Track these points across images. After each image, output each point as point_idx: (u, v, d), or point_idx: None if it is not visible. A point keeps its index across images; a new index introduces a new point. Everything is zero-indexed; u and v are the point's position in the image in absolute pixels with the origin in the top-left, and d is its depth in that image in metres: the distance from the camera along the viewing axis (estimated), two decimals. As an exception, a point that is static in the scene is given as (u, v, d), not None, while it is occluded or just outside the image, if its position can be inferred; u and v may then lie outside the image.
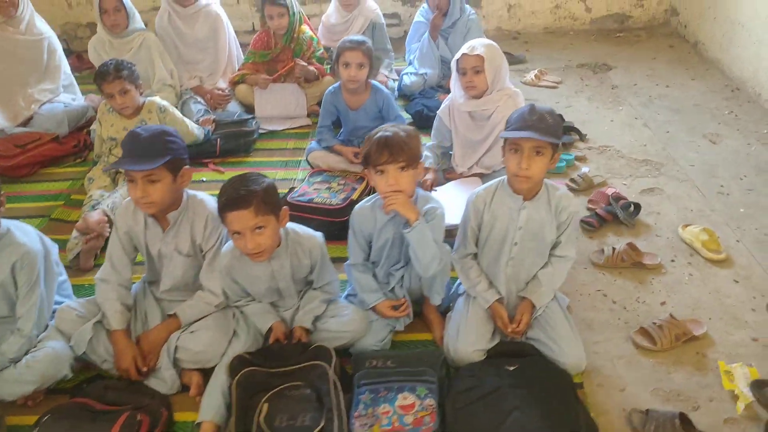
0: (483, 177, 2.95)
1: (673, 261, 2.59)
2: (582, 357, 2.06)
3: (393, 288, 2.24)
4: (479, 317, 2.15)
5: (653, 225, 2.82)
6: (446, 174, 3.05)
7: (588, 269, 2.58)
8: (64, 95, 3.84)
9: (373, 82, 3.16)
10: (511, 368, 1.99)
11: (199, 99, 3.85)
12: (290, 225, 2.12)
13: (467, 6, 4.05)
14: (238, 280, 2.11)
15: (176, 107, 3.78)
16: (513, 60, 4.64)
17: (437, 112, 3.05)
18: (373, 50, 3.09)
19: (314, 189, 2.95)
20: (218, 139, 3.50)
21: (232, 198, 1.91)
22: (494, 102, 2.86)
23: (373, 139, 2.01)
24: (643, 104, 3.94)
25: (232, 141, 3.52)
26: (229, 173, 3.38)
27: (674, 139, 3.51)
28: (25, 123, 3.69)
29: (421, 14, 4.10)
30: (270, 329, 2.11)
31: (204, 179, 3.35)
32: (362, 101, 3.15)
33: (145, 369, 2.04)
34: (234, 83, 3.89)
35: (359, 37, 3.06)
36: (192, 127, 3.34)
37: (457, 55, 2.82)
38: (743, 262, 2.57)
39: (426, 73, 4.01)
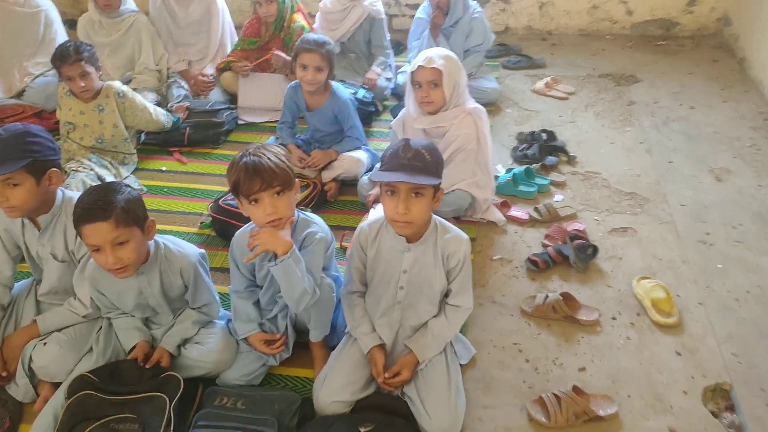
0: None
1: (614, 319, 2.28)
2: (450, 428, 1.83)
3: (276, 316, 2.08)
4: (353, 362, 1.96)
5: (608, 272, 2.49)
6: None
7: (514, 316, 2.30)
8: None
9: (334, 86, 2.96)
10: (364, 430, 1.79)
11: (183, 84, 3.78)
12: (165, 239, 2.00)
13: (473, 2, 3.74)
14: (104, 293, 2.02)
15: (160, 91, 3.78)
16: (531, 64, 4.29)
17: (391, 123, 2.82)
18: (333, 54, 2.88)
19: (252, 193, 2.81)
20: (187, 128, 3.42)
21: (89, 209, 1.79)
22: (450, 119, 2.61)
23: (239, 165, 1.82)
24: (655, 126, 3.51)
25: (201, 131, 3.43)
26: (192, 165, 3.32)
27: (674, 172, 3.10)
28: (19, 95, 3.76)
29: (422, 10, 3.82)
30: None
31: (164, 168, 3.29)
32: (320, 103, 2.96)
33: (4, 374, 2.00)
34: (220, 70, 3.79)
35: (320, 38, 2.86)
36: (156, 114, 3.27)
37: (412, 67, 2.58)
38: (696, 330, 2.21)
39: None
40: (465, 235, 1.91)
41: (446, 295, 1.97)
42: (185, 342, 2.02)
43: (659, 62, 4.32)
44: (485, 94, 3.73)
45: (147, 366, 1.94)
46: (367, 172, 2.98)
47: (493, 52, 4.47)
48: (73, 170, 2.92)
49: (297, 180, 1.93)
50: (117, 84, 3.14)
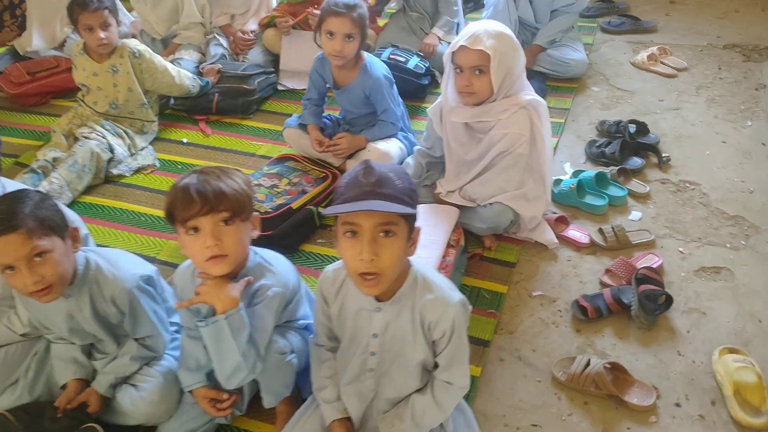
0: (462, 210, 2.18)
1: (677, 406, 1.69)
2: None
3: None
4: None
5: (683, 333, 1.88)
6: (434, 192, 2.31)
7: (542, 383, 1.78)
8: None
9: (367, 59, 2.44)
10: None
11: (222, 41, 3.40)
12: (102, 256, 1.65)
13: None
14: (35, 314, 1.72)
15: (201, 47, 3.43)
16: (637, 27, 3.50)
17: (427, 109, 2.28)
18: (366, 18, 2.35)
19: (258, 183, 2.40)
20: (216, 95, 3.05)
21: None
22: (497, 113, 2.04)
23: (178, 185, 1.41)
24: (789, 122, 2.71)
25: (230, 99, 3.05)
26: (215, 138, 2.97)
27: (804, 191, 2.35)
28: (60, 46, 3.57)
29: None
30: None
31: (185, 140, 2.95)
32: (349, 79, 2.47)
33: None
34: (263, 26, 3.36)
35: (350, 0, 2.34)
36: (180, 78, 2.92)
37: (453, 46, 2.01)
38: (793, 441, 1.60)
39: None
40: (455, 297, 1.40)
41: (436, 365, 1.49)
42: (123, 381, 1.69)
43: (810, 31, 3.39)
44: (568, 67, 3.06)
45: (69, 407, 1.63)
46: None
47: (591, 10, 3.71)
48: (84, 136, 2.66)
49: (257, 215, 1.50)
50: (132, 42, 2.80)
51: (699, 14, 3.64)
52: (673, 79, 3.07)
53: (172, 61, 3.21)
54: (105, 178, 2.69)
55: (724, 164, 2.50)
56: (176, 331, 1.79)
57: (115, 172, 2.68)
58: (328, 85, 2.57)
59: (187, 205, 1.37)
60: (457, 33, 3.31)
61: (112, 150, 2.67)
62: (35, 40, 3.60)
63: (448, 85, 2.11)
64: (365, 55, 2.46)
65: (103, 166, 2.65)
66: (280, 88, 3.28)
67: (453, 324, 1.40)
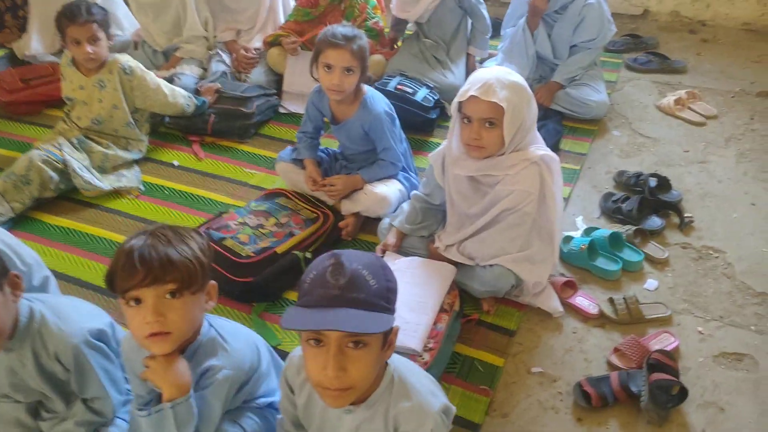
0: (460, 268, 1.99)
1: None
2: None
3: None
4: None
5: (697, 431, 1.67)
6: (429, 245, 2.11)
7: (533, 482, 1.58)
8: (109, 28, 3.46)
9: (367, 93, 2.26)
10: None
11: (225, 57, 3.23)
12: (46, 307, 1.47)
13: None
14: (-29, 369, 1.55)
15: (203, 62, 3.27)
16: (665, 67, 3.29)
17: (429, 156, 2.09)
18: (366, 51, 2.17)
19: (243, 221, 2.23)
20: (212, 115, 2.89)
21: None
22: (505, 167, 1.85)
23: (122, 248, 1.24)
24: (825, 186, 2.48)
25: (227, 121, 2.88)
26: (208, 162, 2.80)
27: (841, 269, 2.12)
28: (59, 52, 3.42)
29: (523, -11, 2.97)
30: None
31: (176, 163, 2.79)
32: (348, 114, 2.28)
33: None
34: (268, 44, 3.18)
35: (349, 30, 2.15)
36: (174, 96, 2.75)
37: (462, 94, 1.81)
38: None
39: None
40: (434, 405, 1.21)
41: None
42: (70, 448, 1.52)
43: None
44: (588, 108, 2.85)
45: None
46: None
47: (617, 45, 3.50)
48: (36, 147, 2.51)
49: (213, 285, 1.32)
50: (124, 58, 2.64)
51: (732, 56, 3.41)
52: (701, 128, 2.85)
53: (172, 76, 3.06)
54: (80, 195, 2.53)
55: (752, 230, 2.28)
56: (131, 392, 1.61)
57: (82, 180, 2.48)
58: (325, 119, 2.39)
59: (128, 273, 1.19)
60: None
61: (64, 167, 2.47)
62: (34, 44, 3.48)
63: (453, 134, 1.92)
64: (365, 88, 2.28)
65: (49, 178, 2.45)
66: (281, 111, 3.11)
67: None
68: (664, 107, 2.97)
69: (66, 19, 2.50)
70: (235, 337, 1.37)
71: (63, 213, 2.49)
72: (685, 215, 2.33)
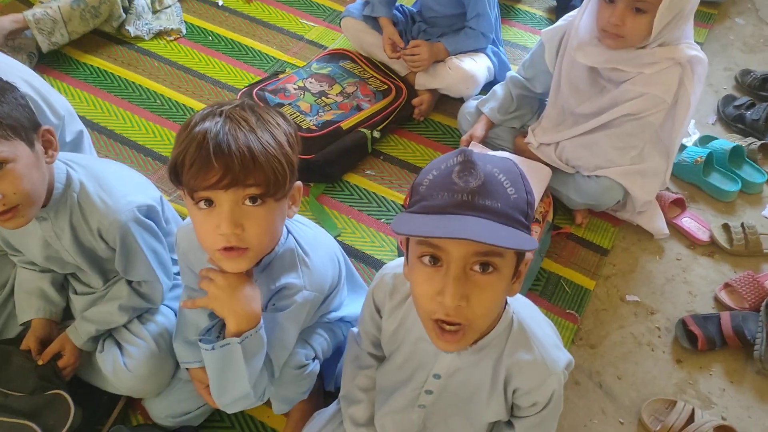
0: (555, 173, 1.69)
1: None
2: None
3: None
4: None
5: (815, 392, 1.47)
6: (517, 138, 1.80)
7: (626, 427, 1.40)
8: None
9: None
10: None
11: None
12: (88, 174, 1.22)
13: None
14: (2, 233, 1.32)
15: None
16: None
17: (542, 31, 1.70)
18: None
19: (302, 85, 1.90)
20: (265, -51, 2.44)
21: None
22: (643, 63, 1.48)
23: (193, 131, 0.94)
24: None
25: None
26: (258, 5, 2.41)
27: None
28: None
29: None
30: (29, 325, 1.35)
31: (221, 2, 2.39)
32: (440, -35, 1.87)
33: None
34: None
35: None
36: None
37: None
38: None
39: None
40: (560, 362, 0.98)
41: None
42: (106, 335, 1.33)
43: None
44: (712, -13, 2.39)
45: (40, 362, 1.29)
46: (487, 87, 1.94)
47: None
48: None
49: (299, 186, 1.03)
50: None
51: None
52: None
53: None
54: (117, 32, 2.19)
55: None
56: (179, 274, 1.40)
57: (130, 30, 2.17)
58: (409, -32, 1.98)
59: (200, 170, 0.91)
60: None
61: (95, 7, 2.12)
62: None
63: (585, 12, 1.53)
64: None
65: (118, 14, 2.14)
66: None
67: (551, 397, 0.99)
68: (800, -5, 2.49)
69: None
70: (316, 249, 1.12)
71: (95, 50, 2.17)
72: (817, 132, 1.99)
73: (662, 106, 1.51)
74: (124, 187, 1.26)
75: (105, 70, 2.10)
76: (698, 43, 2.23)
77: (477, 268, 0.82)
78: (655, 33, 1.41)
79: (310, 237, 1.12)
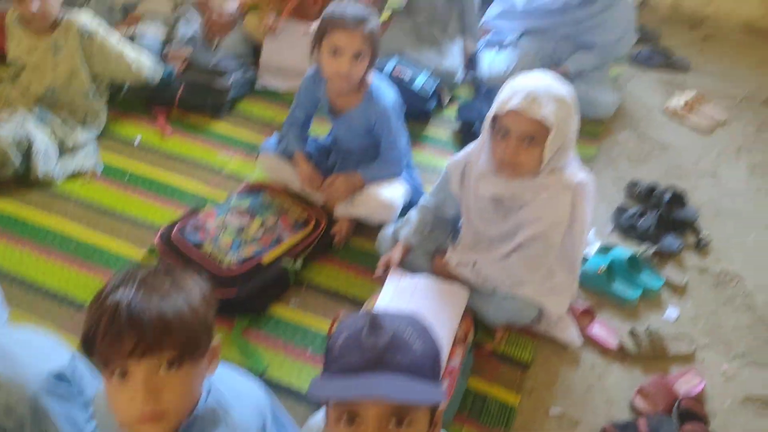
0: (473, 293, 1.77)
1: None
2: None
3: None
4: None
5: (730, 493, 1.54)
6: (436, 258, 1.88)
7: None
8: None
9: (373, 82, 1.98)
10: None
11: (194, 20, 2.85)
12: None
13: None
14: None
15: (169, 22, 2.87)
16: (669, 63, 3.12)
17: (447, 163, 1.83)
18: (377, 34, 1.89)
19: (222, 221, 1.93)
20: (182, 85, 2.54)
21: None
22: (536, 190, 1.62)
23: (104, 301, 0.95)
24: (840, 208, 2.39)
25: (197, 95, 2.54)
26: (176, 140, 2.47)
27: None
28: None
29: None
30: None
31: (138, 139, 2.44)
32: (350, 105, 2.00)
33: None
34: (245, 8, 2.82)
35: (361, 10, 1.85)
36: (139, 64, 2.40)
37: (500, 105, 1.55)
38: None
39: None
40: None
41: None
42: None
43: None
44: (596, 108, 2.65)
45: None
46: (406, 210, 2.03)
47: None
48: None
49: (216, 341, 1.05)
50: (83, 19, 2.26)
51: (736, 57, 3.26)
52: (709, 135, 2.70)
53: (131, 36, 2.67)
54: (24, 176, 2.16)
55: (771, 254, 2.17)
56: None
57: (41, 170, 2.14)
58: (318, 107, 2.11)
59: (114, 340, 0.91)
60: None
61: (29, 143, 2.12)
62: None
63: (483, 147, 1.67)
64: (371, 76, 2.00)
65: (11, 162, 2.10)
66: (258, 86, 2.77)
67: None
68: (671, 110, 2.80)
69: None
70: (240, 401, 1.11)
71: (6, 193, 2.13)
72: (702, 234, 2.19)
73: (560, 227, 1.63)
74: (33, 356, 1.22)
75: (18, 217, 2.07)
76: (589, 157, 2.50)
77: (392, 424, 0.85)
78: (546, 161, 1.56)
79: (231, 389, 1.12)
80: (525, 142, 1.53)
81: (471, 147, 1.76)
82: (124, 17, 2.84)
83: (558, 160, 1.59)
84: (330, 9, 1.87)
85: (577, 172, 1.64)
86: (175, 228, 1.90)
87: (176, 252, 1.84)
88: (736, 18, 3.51)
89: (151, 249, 1.97)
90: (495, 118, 1.57)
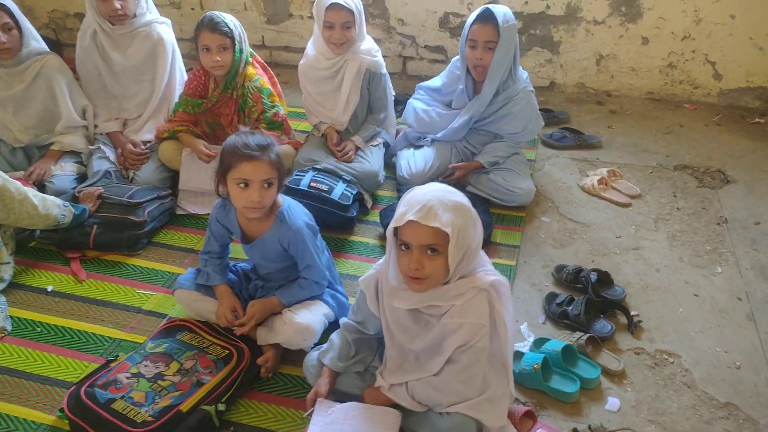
0: (407, 414, 1.70)
1: None
2: None
3: None
4: None
5: None
6: (366, 392, 1.79)
7: None
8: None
9: (283, 205, 1.96)
10: None
11: (109, 152, 2.82)
12: None
13: (521, 70, 2.72)
14: None
15: (82, 159, 2.83)
16: (582, 143, 3.23)
17: (359, 280, 1.79)
18: (281, 156, 1.89)
19: (136, 371, 1.82)
20: (95, 226, 2.46)
21: None
22: (451, 296, 1.58)
23: None
24: (760, 268, 2.43)
25: (112, 232, 2.47)
26: (91, 283, 2.37)
27: (798, 365, 2.03)
28: None
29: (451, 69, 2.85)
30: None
31: (50, 288, 2.32)
32: (261, 230, 1.96)
33: None
34: (162, 139, 2.81)
35: (262, 138, 1.85)
36: (46, 207, 2.32)
37: (399, 218, 1.53)
38: None
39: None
40: None
41: None
42: None
43: (757, 151, 3.20)
44: (515, 196, 2.69)
45: None
46: (328, 330, 1.97)
47: (531, 121, 3.42)
48: None
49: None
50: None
51: (643, 128, 3.41)
52: (627, 209, 2.76)
53: (42, 181, 2.62)
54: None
55: (702, 327, 2.16)
56: None
57: None
58: (233, 236, 2.07)
59: None
60: (383, 135, 2.95)
61: None
62: None
63: (390, 263, 1.64)
64: (280, 198, 1.98)
65: None
66: (179, 212, 2.73)
67: None
68: (588, 188, 2.86)
69: None
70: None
71: None
72: (632, 314, 2.18)
73: (483, 330, 1.58)
74: None
75: None
76: (514, 245, 2.51)
77: None
78: (452, 269, 1.53)
79: None
80: (427, 251, 1.51)
81: (380, 262, 1.73)
82: (26, 157, 2.79)
83: (465, 266, 1.57)
84: (230, 141, 1.86)
85: (488, 275, 1.61)
86: (84, 387, 1.78)
87: (86, 414, 1.71)
88: (638, 90, 3.70)
89: (60, 412, 1.83)
90: (396, 232, 1.56)
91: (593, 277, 2.27)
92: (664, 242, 2.56)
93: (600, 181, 2.85)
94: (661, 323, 2.17)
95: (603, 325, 2.12)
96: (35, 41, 2.71)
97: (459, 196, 1.55)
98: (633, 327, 2.14)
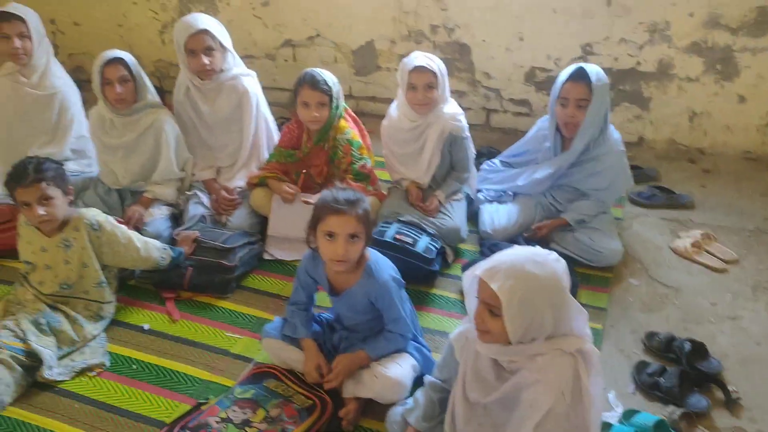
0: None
1: None
2: None
3: None
4: None
5: None
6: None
7: None
8: (75, 163, 3.18)
9: (370, 259, 2.01)
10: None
11: (204, 198, 2.97)
12: None
13: (612, 129, 2.71)
14: None
15: (178, 205, 2.99)
16: (672, 202, 3.13)
17: (450, 336, 1.79)
18: (370, 210, 1.95)
19: (225, 416, 1.88)
20: (189, 268, 2.59)
21: None
22: (533, 354, 1.56)
23: None
24: None
25: (205, 275, 2.58)
26: (184, 324, 2.47)
27: None
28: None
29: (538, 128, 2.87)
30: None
31: (146, 327, 2.44)
32: (349, 283, 2.01)
33: None
34: (253, 185, 2.94)
35: (351, 194, 1.92)
36: (147, 250, 2.46)
37: (470, 276, 1.58)
38: None
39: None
40: None
41: None
42: None
43: None
44: (601, 256, 2.63)
45: None
46: (415, 387, 1.97)
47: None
48: None
49: None
50: (91, 214, 2.37)
51: (738, 188, 3.27)
52: (723, 274, 2.64)
53: (141, 221, 2.79)
54: (33, 383, 2.16)
55: (809, 407, 2.02)
56: None
57: (47, 375, 2.14)
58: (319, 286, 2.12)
59: None
60: (467, 190, 2.96)
61: (32, 356, 2.14)
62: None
63: (470, 311, 1.66)
64: (368, 252, 2.02)
65: (12, 382, 2.10)
66: (266, 257, 2.82)
67: None
68: (680, 251, 2.76)
69: (13, 180, 2.25)
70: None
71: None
72: (730, 389, 2.06)
73: (561, 392, 1.53)
74: None
75: (21, 419, 2.04)
76: (601, 308, 2.44)
77: None
78: (513, 337, 1.52)
79: None
80: (488, 310, 1.52)
81: (465, 322, 1.74)
82: (120, 198, 2.96)
83: (534, 337, 1.53)
84: (322, 196, 1.94)
85: (579, 342, 1.58)
86: (176, 428, 1.85)
87: (176, 456, 1.78)
88: (733, 148, 3.56)
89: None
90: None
91: (687, 346, 2.18)
92: (764, 312, 2.43)
93: (694, 244, 2.74)
94: (763, 401, 2.05)
95: (698, 400, 2.02)
96: (150, 95, 2.92)
97: (542, 269, 1.50)
98: (730, 403, 2.03)
